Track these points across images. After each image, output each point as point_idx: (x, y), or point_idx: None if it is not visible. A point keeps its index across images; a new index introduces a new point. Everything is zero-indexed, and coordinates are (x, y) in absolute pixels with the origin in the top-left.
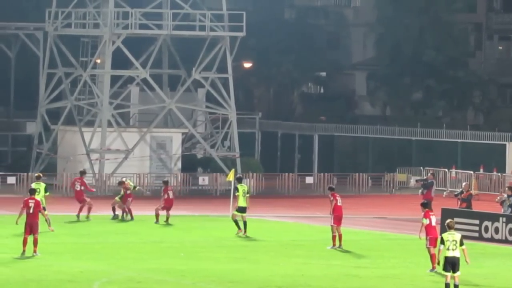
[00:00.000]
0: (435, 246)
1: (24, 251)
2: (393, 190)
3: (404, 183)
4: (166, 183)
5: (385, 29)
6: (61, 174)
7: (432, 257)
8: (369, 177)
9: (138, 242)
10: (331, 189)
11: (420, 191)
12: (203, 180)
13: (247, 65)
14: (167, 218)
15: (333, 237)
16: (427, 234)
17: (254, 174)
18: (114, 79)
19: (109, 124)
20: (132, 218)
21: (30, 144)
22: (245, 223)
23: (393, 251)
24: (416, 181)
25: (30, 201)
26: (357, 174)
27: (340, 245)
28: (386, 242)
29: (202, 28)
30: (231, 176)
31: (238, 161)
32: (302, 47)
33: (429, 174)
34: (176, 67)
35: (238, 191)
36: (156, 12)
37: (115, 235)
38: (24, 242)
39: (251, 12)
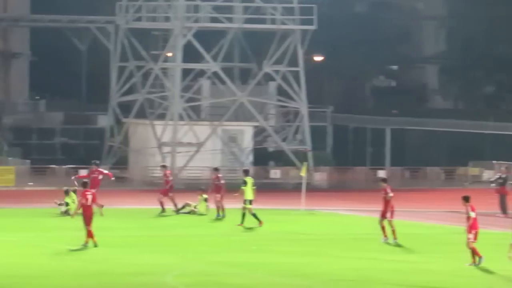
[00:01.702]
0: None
1: (94, 242)
2: (466, 184)
3: (478, 177)
4: (217, 169)
5: (456, 22)
6: (133, 167)
7: (474, 250)
8: (441, 171)
9: (209, 235)
10: (384, 180)
11: (493, 184)
12: (275, 173)
13: (318, 58)
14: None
15: (383, 228)
16: (472, 228)
17: (326, 167)
18: (185, 73)
19: (181, 118)
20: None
21: (102, 137)
22: (254, 215)
23: (464, 245)
24: (491, 182)
25: (87, 193)
26: (428, 168)
27: (394, 238)
28: (457, 237)
29: (273, 21)
30: (304, 171)
31: (309, 154)
32: (373, 41)
33: (502, 169)
34: (247, 60)
35: (246, 184)
36: (227, 6)
37: (186, 228)
38: (91, 234)
39: (322, 5)
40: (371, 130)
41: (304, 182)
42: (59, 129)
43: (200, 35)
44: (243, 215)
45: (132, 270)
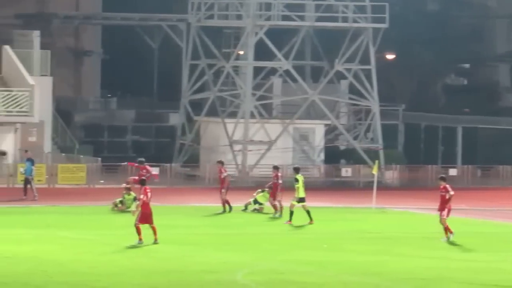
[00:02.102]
0: None
1: (141, 239)
2: None
3: None
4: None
5: None
6: (204, 165)
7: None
8: None
9: (281, 233)
10: (442, 178)
11: None
12: (346, 171)
13: (390, 56)
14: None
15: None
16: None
17: (397, 166)
18: (257, 71)
19: (252, 116)
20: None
21: (173, 135)
22: (308, 212)
23: None
24: None
25: (147, 190)
26: (501, 167)
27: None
28: None
29: (345, 19)
30: (375, 169)
31: (381, 153)
32: (445, 39)
33: None
34: (319, 58)
35: (297, 181)
36: (298, 4)
37: (256, 227)
38: (140, 231)
39: (394, 3)
40: (443, 129)
41: (375, 180)
42: (130, 127)
43: (272, 33)
44: (291, 212)
45: (203, 268)
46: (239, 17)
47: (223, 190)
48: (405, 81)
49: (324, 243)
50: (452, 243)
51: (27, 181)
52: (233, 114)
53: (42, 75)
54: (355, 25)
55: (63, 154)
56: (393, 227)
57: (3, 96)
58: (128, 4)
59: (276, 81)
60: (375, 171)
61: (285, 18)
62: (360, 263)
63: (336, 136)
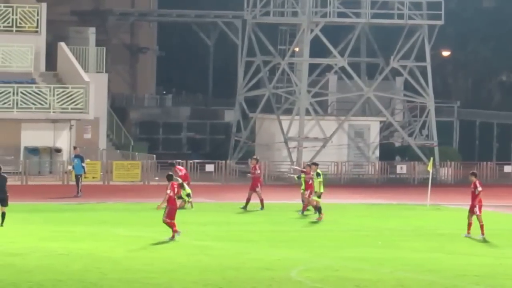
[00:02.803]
0: None
1: (176, 231)
2: None
3: None
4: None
5: None
6: (259, 162)
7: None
8: None
9: (335, 230)
10: (474, 174)
11: None
12: (401, 168)
13: (445, 53)
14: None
15: (470, 224)
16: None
17: (452, 162)
18: (312, 67)
19: (307, 112)
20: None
21: (228, 132)
22: (320, 209)
23: None
24: None
25: (174, 185)
26: None
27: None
28: None
29: (401, 16)
30: (430, 166)
31: (436, 149)
32: (501, 36)
33: None
34: (374, 55)
35: (319, 176)
36: (354, 0)
37: (312, 223)
38: (173, 224)
39: (449, 0)
40: (498, 125)
41: (430, 177)
42: (185, 124)
43: (327, 30)
44: (320, 208)
45: (258, 265)
46: (294, 14)
47: (257, 189)
48: (460, 78)
49: (379, 240)
50: (508, 240)
51: (77, 178)
52: (288, 111)
53: (97, 72)
54: (411, 22)
55: (118, 151)
56: (447, 224)
57: (58, 93)
58: (183, 1)
59: (332, 78)
60: (430, 168)
61: (341, 15)
62: (415, 260)
63: (391, 133)
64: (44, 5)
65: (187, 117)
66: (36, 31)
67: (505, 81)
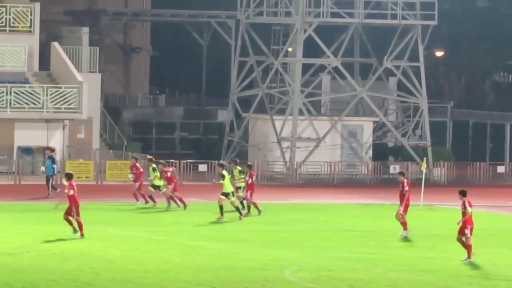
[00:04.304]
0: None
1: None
2: None
3: None
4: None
5: None
6: (252, 161)
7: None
8: None
9: (328, 230)
10: (402, 174)
11: None
12: (394, 168)
13: (439, 53)
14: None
15: None
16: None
17: (445, 163)
18: (306, 68)
19: (300, 113)
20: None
21: (221, 132)
22: (237, 208)
23: None
24: None
25: (73, 184)
26: None
27: None
28: None
29: (394, 16)
30: (424, 166)
31: (429, 150)
32: (494, 36)
33: None
34: (367, 55)
35: (223, 177)
36: (348, 1)
37: (305, 223)
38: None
39: (443, 0)
40: (491, 126)
41: (423, 177)
42: (178, 124)
43: (321, 30)
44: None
45: (251, 265)
46: (288, 14)
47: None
48: (453, 78)
49: (372, 240)
50: (501, 240)
51: (48, 179)
52: (281, 111)
53: (90, 72)
54: (404, 22)
55: (111, 151)
56: (440, 224)
57: (51, 92)
58: (177, 1)
59: (325, 78)
60: (424, 168)
61: (334, 15)
62: (408, 260)
63: (385, 133)
64: (37, 5)
65: (180, 117)
66: (30, 31)
67: (498, 81)
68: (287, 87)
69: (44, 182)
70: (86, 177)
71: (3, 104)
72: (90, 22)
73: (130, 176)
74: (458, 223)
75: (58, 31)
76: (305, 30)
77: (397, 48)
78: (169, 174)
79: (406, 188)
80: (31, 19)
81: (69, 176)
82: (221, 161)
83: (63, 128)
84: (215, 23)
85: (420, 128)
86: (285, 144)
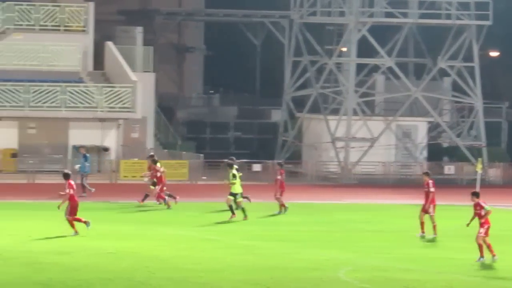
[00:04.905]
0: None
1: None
2: None
3: None
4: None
5: None
6: (306, 161)
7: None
8: None
9: (383, 231)
10: (427, 174)
11: None
12: (449, 169)
13: (494, 53)
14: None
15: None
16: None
17: (501, 163)
18: (360, 67)
19: (354, 113)
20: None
21: (275, 131)
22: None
23: None
24: None
25: (72, 183)
26: None
27: None
28: None
29: (448, 16)
30: (479, 167)
31: (484, 150)
32: None
33: None
34: (422, 55)
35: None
36: (402, 0)
37: (359, 223)
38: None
39: (498, 0)
40: None
41: (478, 178)
42: (232, 124)
43: (375, 29)
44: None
45: (305, 265)
46: (341, 13)
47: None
48: (509, 78)
49: (426, 240)
50: None
51: (82, 177)
52: (335, 111)
53: (144, 71)
54: (459, 22)
55: (166, 150)
56: (495, 225)
57: (106, 92)
58: (231, 1)
59: (379, 78)
60: (479, 169)
61: (388, 15)
62: (463, 261)
63: (439, 133)
64: (91, 5)
65: (234, 117)
66: (84, 31)
67: None
68: (341, 87)
69: (96, 181)
70: (141, 177)
71: (58, 103)
72: (144, 22)
73: (146, 179)
74: (467, 225)
75: (112, 30)
76: (359, 30)
77: (452, 48)
78: (158, 174)
79: (432, 189)
80: (85, 19)
81: (66, 176)
82: (230, 161)
83: (118, 127)
84: (269, 22)
85: (475, 128)
86: (339, 144)
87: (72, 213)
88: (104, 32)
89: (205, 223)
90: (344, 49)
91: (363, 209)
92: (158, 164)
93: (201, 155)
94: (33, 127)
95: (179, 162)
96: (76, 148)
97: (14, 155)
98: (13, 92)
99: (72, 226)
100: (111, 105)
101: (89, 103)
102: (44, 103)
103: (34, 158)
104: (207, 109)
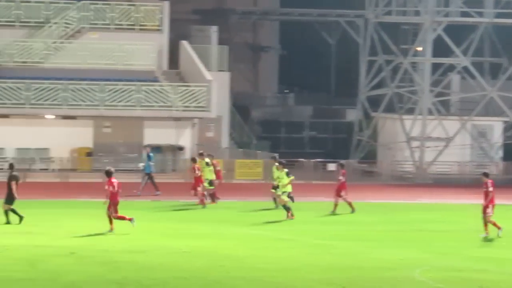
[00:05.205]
0: None
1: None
2: None
3: None
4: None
5: None
6: (381, 161)
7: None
8: None
9: (457, 230)
10: (485, 174)
11: None
12: None
13: None
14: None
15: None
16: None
17: None
18: (435, 67)
19: (430, 112)
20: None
21: (350, 131)
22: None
23: None
24: None
25: (113, 181)
26: None
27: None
28: None
29: None
30: None
31: None
32: None
33: None
34: (497, 55)
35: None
36: (477, 0)
37: (434, 223)
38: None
39: None
40: None
41: None
42: (307, 123)
43: (450, 29)
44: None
45: (380, 264)
46: (417, 13)
47: (342, 193)
48: None
49: (503, 240)
50: None
51: (150, 177)
52: (410, 111)
53: (219, 71)
54: None
55: (240, 149)
56: None
57: (181, 91)
58: (306, 0)
59: (454, 78)
60: None
61: (464, 14)
62: None
63: None
64: (167, 4)
65: (309, 116)
66: (159, 30)
67: None
68: (416, 86)
69: (171, 180)
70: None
71: (132, 102)
72: (219, 21)
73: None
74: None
75: (187, 29)
76: (434, 30)
77: None
78: (198, 173)
79: (490, 189)
80: (160, 18)
81: (108, 173)
82: (279, 159)
83: (192, 126)
84: (344, 22)
85: None
86: (414, 143)
87: (116, 211)
88: (179, 31)
89: (279, 222)
90: (420, 49)
91: (438, 209)
92: (200, 163)
93: (276, 154)
94: (108, 126)
95: (254, 161)
96: (149, 147)
97: (89, 154)
98: (88, 91)
99: (121, 219)
100: (186, 104)
101: (164, 102)
102: (119, 102)
103: (109, 157)
104: (282, 109)
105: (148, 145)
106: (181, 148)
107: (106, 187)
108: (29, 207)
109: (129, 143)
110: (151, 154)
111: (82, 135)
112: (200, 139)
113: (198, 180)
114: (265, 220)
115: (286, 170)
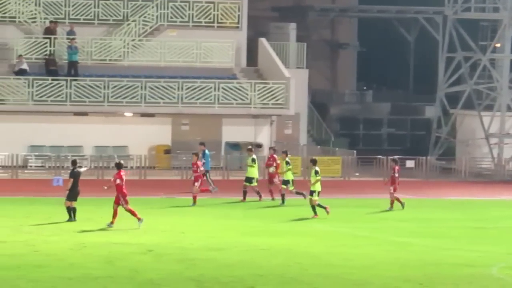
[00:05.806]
0: None
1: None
2: None
3: None
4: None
5: None
6: (460, 158)
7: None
8: None
9: None
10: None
11: None
12: None
13: None
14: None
15: None
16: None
17: None
18: None
19: (509, 109)
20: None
21: (428, 128)
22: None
23: None
24: None
25: (122, 173)
26: None
27: None
28: None
29: None
30: None
31: None
32: None
33: None
34: None
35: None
36: None
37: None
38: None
39: None
40: None
41: None
42: (386, 120)
43: None
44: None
45: (458, 261)
46: (496, 9)
47: (391, 189)
48: None
49: None
50: None
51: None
52: (489, 107)
53: (297, 68)
54: None
55: (319, 146)
56: None
57: (259, 88)
58: None
59: None
60: None
61: None
62: None
63: None
64: (245, 1)
65: (388, 113)
66: (237, 27)
67: None
68: (495, 83)
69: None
70: (294, 173)
71: (211, 99)
72: (297, 18)
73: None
74: None
75: (265, 27)
76: None
77: None
78: (201, 169)
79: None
80: (238, 15)
81: (118, 166)
82: (313, 157)
83: (271, 123)
84: (423, 18)
85: None
86: (493, 140)
87: (126, 202)
88: (257, 29)
89: (357, 219)
90: (498, 45)
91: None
92: (200, 161)
93: (354, 151)
94: (186, 124)
95: (332, 158)
96: (230, 144)
97: (167, 151)
98: (167, 89)
99: (114, 215)
100: (264, 102)
101: (242, 100)
102: (197, 99)
103: (187, 154)
104: (360, 105)
105: (203, 143)
106: (259, 146)
107: (113, 179)
108: (107, 205)
109: (207, 141)
110: (207, 152)
111: (160, 133)
112: (278, 137)
113: (198, 177)
114: (343, 217)
115: (316, 168)
